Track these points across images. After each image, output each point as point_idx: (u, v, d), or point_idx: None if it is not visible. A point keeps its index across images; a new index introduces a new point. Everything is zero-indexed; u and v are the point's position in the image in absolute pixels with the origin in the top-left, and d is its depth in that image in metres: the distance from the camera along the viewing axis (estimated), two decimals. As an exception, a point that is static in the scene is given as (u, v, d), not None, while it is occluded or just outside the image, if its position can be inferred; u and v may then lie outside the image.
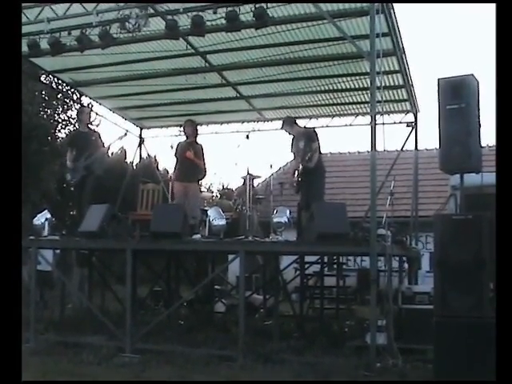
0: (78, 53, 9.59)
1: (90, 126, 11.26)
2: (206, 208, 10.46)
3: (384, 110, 9.08)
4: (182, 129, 11.30)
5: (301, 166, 9.76)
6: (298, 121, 12.50)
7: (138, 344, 8.45)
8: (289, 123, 10.45)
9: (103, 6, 8.86)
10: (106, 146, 11.05)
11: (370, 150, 7.80)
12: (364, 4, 8.58)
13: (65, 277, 10.89)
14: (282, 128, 10.57)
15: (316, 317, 11.12)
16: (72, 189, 12.96)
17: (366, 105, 12.42)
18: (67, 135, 19.87)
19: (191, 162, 10.38)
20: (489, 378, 5.50)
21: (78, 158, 10.43)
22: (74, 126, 21.23)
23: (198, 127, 11.24)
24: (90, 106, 15.23)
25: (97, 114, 14.23)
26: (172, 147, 10.91)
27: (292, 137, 10.32)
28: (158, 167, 19.22)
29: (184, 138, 10.98)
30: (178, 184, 10.59)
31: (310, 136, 9.99)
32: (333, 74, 11.44)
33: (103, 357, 7.99)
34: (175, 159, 10.73)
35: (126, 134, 10.94)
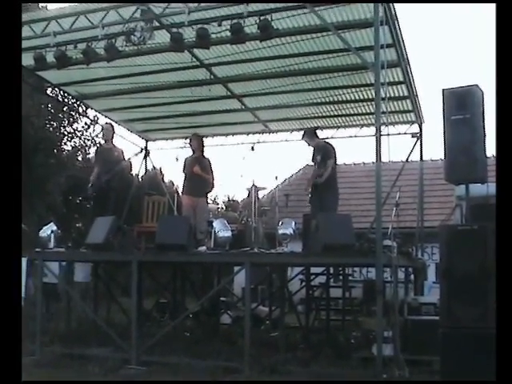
0: (84, 66, 9.65)
1: (113, 141, 11.33)
2: (211, 220, 10.47)
3: (389, 120, 9.07)
4: (187, 142, 11.31)
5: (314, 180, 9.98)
6: (303, 132, 12.66)
7: (143, 356, 8.44)
8: (309, 135, 10.54)
9: (109, 19, 8.94)
10: (126, 161, 11.16)
11: (375, 161, 7.80)
12: (368, 15, 8.62)
13: (70, 289, 10.89)
14: (302, 139, 10.66)
15: (322, 328, 11.08)
16: (78, 201, 12.97)
17: (370, 116, 12.42)
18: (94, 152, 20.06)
19: (199, 177, 10.40)
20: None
21: (101, 173, 10.66)
22: (80, 138, 21.35)
23: (204, 140, 11.28)
24: (96, 118, 15.30)
25: (112, 124, 14.31)
26: (177, 159, 10.95)
27: (312, 148, 10.41)
28: (163, 179, 19.22)
29: (190, 151, 11.01)
30: (187, 198, 10.60)
31: (328, 152, 10.10)
32: (337, 85, 11.46)
33: (109, 369, 8.00)
34: (183, 175, 10.76)
35: (141, 151, 11.07)
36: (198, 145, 10.78)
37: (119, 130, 14.17)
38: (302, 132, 13.10)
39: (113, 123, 12.50)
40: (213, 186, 10.89)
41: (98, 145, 20.38)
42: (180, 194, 11.31)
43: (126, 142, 14.43)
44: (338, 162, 10.42)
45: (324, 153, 10.09)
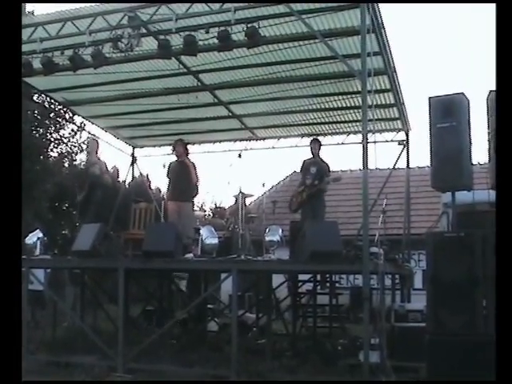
0: (71, 72, 9.62)
1: (97, 154, 11.29)
2: (198, 227, 10.44)
3: (375, 128, 9.10)
4: (172, 149, 11.24)
5: (309, 189, 10.77)
6: (290, 139, 12.90)
7: (130, 364, 8.40)
8: (318, 144, 11.31)
9: (96, 25, 8.92)
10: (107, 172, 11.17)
11: (361, 168, 7.81)
12: (355, 23, 8.66)
13: (57, 296, 10.82)
14: (310, 144, 11.37)
15: (309, 335, 11.07)
16: (65, 208, 12.91)
17: (357, 123, 12.45)
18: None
19: (184, 181, 10.35)
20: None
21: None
22: (66, 145, 21.27)
23: (190, 146, 11.26)
24: (83, 125, 15.27)
25: (89, 133, 14.28)
26: (164, 166, 10.91)
27: (308, 159, 11.09)
28: (150, 186, 19.16)
29: (175, 157, 10.99)
30: (172, 203, 10.60)
31: (326, 169, 10.99)
32: (324, 92, 11.50)
33: (95, 376, 7.95)
34: (167, 180, 10.74)
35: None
36: (182, 150, 10.74)
37: (106, 136, 14.18)
38: (288, 139, 13.41)
39: (98, 138, 12.56)
40: (197, 191, 10.89)
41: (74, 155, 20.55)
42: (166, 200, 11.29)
43: (113, 149, 14.44)
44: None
45: (321, 168, 10.86)
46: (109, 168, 11.30)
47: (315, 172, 10.67)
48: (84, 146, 20.69)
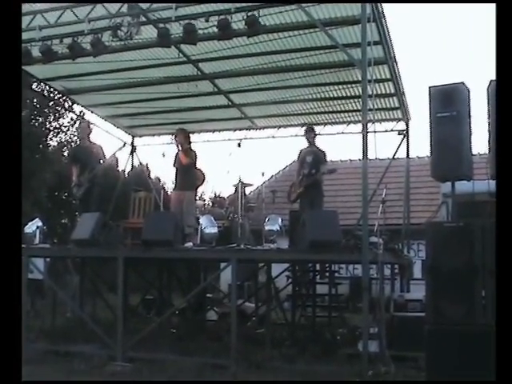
0: (70, 61, 9.58)
1: (90, 139, 11.25)
2: (198, 216, 10.43)
3: (375, 118, 9.08)
4: (173, 138, 11.15)
5: (306, 179, 10.78)
6: (289, 129, 12.87)
7: (129, 352, 8.41)
8: (312, 133, 11.27)
9: (95, 13, 8.86)
10: (106, 156, 11.14)
11: (361, 158, 7.80)
12: (355, 13, 8.62)
13: (57, 285, 10.81)
14: (305, 134, 11.29)
15: (308, 325, 11.10)
16: (74, 201, 12.91)
17: (357, 113, 12.45)
18: (69, 151, 19.95)
19: (187, 170, 10.29)
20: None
21: (82, 171, 10.59)
22: (66, 133, 21.26)
23: (190, 135, 11.19)
24: (82, 114, 15.24)
25: (89, 122, 14.23)
26: (164, 155, 10.85)
27: (305, 148, 11.13)
28: (149, 175, 19.18)
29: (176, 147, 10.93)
30: (174, 193, 10.54)
31: (322, 157, 10.94)
32: (324, 82, 11.47)
33: (94, 365, 7.96)
34: (174, 170, 10.65)
35: (124, 145, 11.10)
36: (184, 139, 10.58)
37: (105, 125, 14.15)
38: (287, 128, 13.43)
39: (89, 121, 12.49)
40: (203, 178, 10.91)
41: (74, 144, 20.47)
42: (169, 190, 11.29)
43: (112, 138, 14.41)
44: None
45: (317, 157, 10.80)
46: (105, 151, 11.25)
47: (311, 161, 10.70)
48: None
